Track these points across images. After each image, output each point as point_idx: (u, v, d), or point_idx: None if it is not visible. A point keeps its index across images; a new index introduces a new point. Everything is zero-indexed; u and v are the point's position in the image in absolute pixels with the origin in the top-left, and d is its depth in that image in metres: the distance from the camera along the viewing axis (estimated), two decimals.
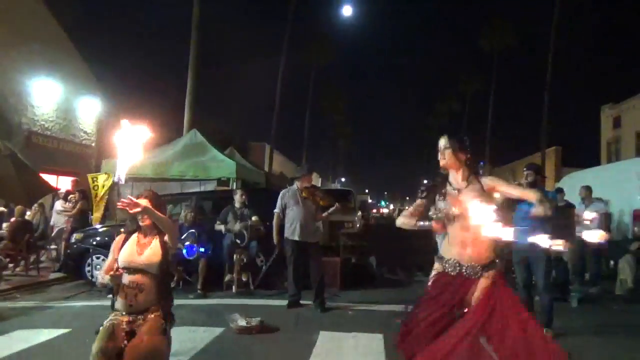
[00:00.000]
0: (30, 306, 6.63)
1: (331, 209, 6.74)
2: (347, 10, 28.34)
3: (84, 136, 17.91)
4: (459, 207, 2.91)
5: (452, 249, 2.94)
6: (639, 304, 7.05)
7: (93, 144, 18.22)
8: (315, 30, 35.58)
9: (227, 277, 7.56)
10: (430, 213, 3.00)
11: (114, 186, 9.77)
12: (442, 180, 3.11)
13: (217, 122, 22.41)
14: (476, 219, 2.78)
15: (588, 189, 8.50)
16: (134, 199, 2.97)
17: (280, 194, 6.85)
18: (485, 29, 35.68)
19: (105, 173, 10.56)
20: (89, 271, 8.20)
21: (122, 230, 3.45)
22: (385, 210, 77.07)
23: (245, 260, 7.48)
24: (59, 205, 10.44)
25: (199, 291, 7.25)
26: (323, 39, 35.85)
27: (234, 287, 7.43)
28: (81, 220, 9.70)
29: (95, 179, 10.44)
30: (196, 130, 12.78)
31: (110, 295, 3.15)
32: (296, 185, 6.80)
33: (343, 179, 66.73)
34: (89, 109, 17.99)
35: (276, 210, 6.79)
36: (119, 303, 3.04)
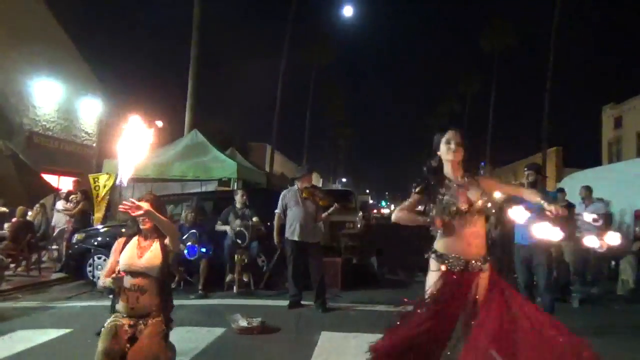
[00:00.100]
0: (32, 306, 6.64)
1: (330, 209, 6.74)
2: (347, 11, 28.40)
3: (85, 136, 17.94)
4: (468, 202, 2.92)
5: (456, 245, 2.90)
6: None
7: (94, 144, 18.24)
8: (316, 31, 35.60)
9: (228, 278, 7.56)
10: (430, 207, 2.94)
11: (116, 187, 9.78)
12: (435, 175, 3.02)
13: (218, 123, 22.44)
14: (519, 219, 2.86)
15: (588, 189, 8.50)
16: (136, 202, 2.97)
17: (281, 195, 6.85)
18: (486, 29, 35.68)
19: (107, 173, 10.56)
20: (90, 271, 8.20)
21: (122, 230, 3.45)
22: (386, 211, 77.10)
23: (246, 260, 7.48)
24: (60, 205, 10.44)
25: (200, 291, 7.25)
26: (324, 40, 35.87)
27: (235, 288, 7.43)
28: (82, 220, 9.70)
29: (96, 179, 10.45)
30: (197, 130, 12.78)
31: (111, 296, 3.16)
32: (297, 185, 6.81)
33: (344, 180, 66.75)
34: (90, 110, 18.02)
35: (277, 211, 6.79)
36: (120, 306, 3.04)
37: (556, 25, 24.18)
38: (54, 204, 11.05)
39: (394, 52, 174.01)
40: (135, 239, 3.20)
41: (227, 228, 7.63)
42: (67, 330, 5.22)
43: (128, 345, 2.88)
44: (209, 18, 16.80)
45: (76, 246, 8.54)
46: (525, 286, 5.45)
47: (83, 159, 17.04)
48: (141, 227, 3.17)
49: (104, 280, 3.08)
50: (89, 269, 8.22)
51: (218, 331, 5.22)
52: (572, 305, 6.80)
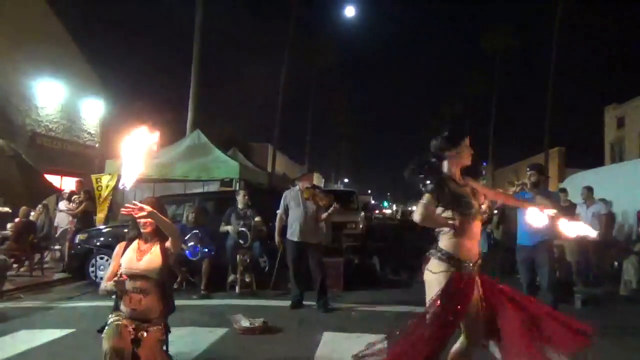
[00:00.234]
0: (34, 307, 6.65)
1: (330, 210, 6.70)
2: (349, 12, 28.39)
3: (87, 137, 17.98)
4: (483, 203, 2.96)
5: (465, 246, 2.88)
6: None
7: (97, 145, 18.28)
8: (318, 31, 35.65)
9: (231, 278, 7.57)
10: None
11: (118, 189, 9.80)
12: (441, 174, 2.98)
13: (221, 123, 22.45)
14: (536, 222, 2.92)
15: (589, 190, 8.50)
16: (139, 204, 2.98)
17: (283, 195, 6.86)
18: (488, 30, 35.67)
19: (109, 174, 10.59)
20: (92, 272, 8.23)
21: (125, 230, 3.46)
22: (387, 211, 77.12)
23: (248, 260, 7.48)
24: (62, 205, 10.47)
25: (202, 292, 7.25)
26: (326, 40, 35.89)
27: (237, 288, 7.43)
28: (85, 220, 9.72)
29: (99, 179, 10.48)
30: (199, 131, 12.80)
31: (114, 296, 3.16)
32: (298, 186, 6.81)
33: (346, 180, 66.74)
34: (92, 110, 18.05)
35: (279, 211, 6.79)
36: (123, 308, 3.04)
37: (558, 26, 24.15)
38: (56, 205, 11.08)
39: (396, 52, 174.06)
40: (135, 242, 3.21)
41: (230, 228, 7.64)
42: (70, 331, 5.22)
43: (133, 346, 2.89)
44: (211, 19, 16.81)
45: (79, 246, 8.56)
46: (527, 286, 5.44)
47: (85, 159, 17.07)
48: (142, 230, 3.17)
49: (105, 284, 3.09)
50: (91, 269, 8.24)
51: (220, 331, 5.22)
52: (574, 305, 6.78)
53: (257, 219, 7.60)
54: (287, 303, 6.58)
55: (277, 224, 6.83)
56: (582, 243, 8.37)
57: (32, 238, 9.02)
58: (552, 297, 5.21)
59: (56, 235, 10.50)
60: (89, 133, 18.05)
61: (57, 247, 10.62)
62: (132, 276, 3.04)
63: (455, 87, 48.28)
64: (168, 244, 3.14)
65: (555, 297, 5.23)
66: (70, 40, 16.63)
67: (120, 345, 2.83)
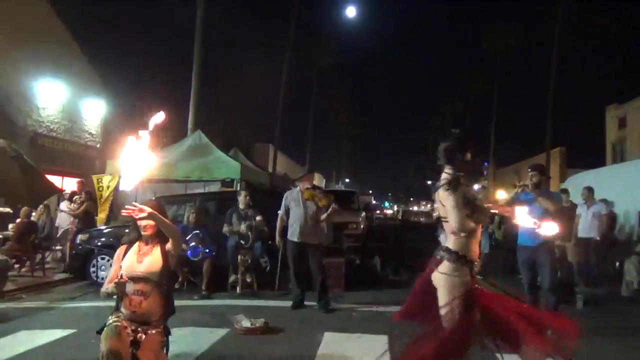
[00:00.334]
0: (36, 307, 6.66)
1: (329, 210, 6.66)
2: (350, 12, 28.40)
3: (88, 137, 17.99)
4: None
5: (474, 247, 2.92)
6: None
7: (98, 145, 18.29)
8: (319, 32, 35.64)
9: (232, 278, 7.57)
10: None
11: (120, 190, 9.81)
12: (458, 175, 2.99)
13: (222, 123, 22.44)
14: (524, 223, 3.00)
15: (590, 190, 8.50)
16: (140, 205, 2.98)
17: (284, 196, 6.86)
18: (489, 30, 35.66)
19: (110, 174, 10.59)
20: (93, 272, 8.24)
21: (126, 230, 3.46)
22: (389, 211, 77.10)
23: (249, 261, 7.48)
24: (64, 206, 10.48)
25: (203, 292, 7.25)
26: (327, 40, 35.89)
27: (238, 288, 7.43)
28: (86, 221, 9.73)
29: (100, 180, 10.49)
30: (201, 131, 12.81)
31: (116, 296, 3.16)
32: (299, 186, 6.81)
33: (347, 180, 66.74)
34: (94, 111, 18.06)
35: (279, 212, 6.79)
36: (123, 310, 3.04)
37: (559, 26, 24.12)
38: (58, 205, 11.09)
39: (397, 52, 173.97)
40: (135, 245, 3.21)
41: (233, 229, 7.62)
42: (71, 331, 5.23)
43: (131, 348, 2.88)
44: (213, 19, 16.81)
45: (80, 247, 8.57)
46: (528, 287, 5.43)
47: (87, 159, 17.08)
48: (142, 233, 3.17)
49: (106, 287, 3.09)
50: (92, 269, 8.26)
51: (221, 332, 5.23)
52: (576, 306, 6.78)
53: (258, 219, 7.60)
54: (288, 303, 6.58)
55: (278, 224, 6.83)
56: (583, 243, 8.39)
57: (33, 238, 9.03)
58: (553, 297, 5.20)
59: (57, 236, 10.51)
60: (90, 133, 18.06)
61: (58, 247, 10.63)
62: (133, 278, 3.04)
63: (456, 87, 48.26)
64: (169, 246, 3.13)
65: (557, 298, 5.23)
66: (72, 40, 16.63)
67: (117, 347, 2.83)
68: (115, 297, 3.13)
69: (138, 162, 3.02)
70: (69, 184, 13.55)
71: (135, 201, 3.12)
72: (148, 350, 2.90)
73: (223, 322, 5.56)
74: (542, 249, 5.21)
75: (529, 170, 5.48)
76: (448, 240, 2.94)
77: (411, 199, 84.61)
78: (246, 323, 5.22)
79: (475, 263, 2.93)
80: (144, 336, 2.95)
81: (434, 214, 3.07)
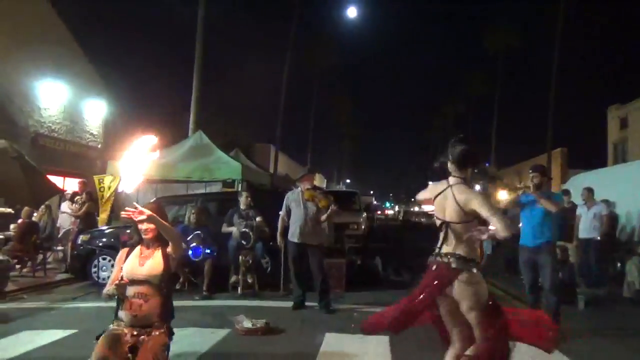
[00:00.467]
0: (37, 307, 6.66)
1: (329, 211, 6.64)
2: (352, 12, 28.42)
3: (90, 138, 18.02)
4: None
5: (478, 250, 2.98)
6: None
7: (99, 146, 18.32)
8: (320, 32, 35.67)
9: (233, 279, 7.57)
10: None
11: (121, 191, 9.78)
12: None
13: (223, 124, 22.45)
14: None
15: (590, 191, 8.49)
16: (140, 207, 2.98)
17: (285, 196, 6.86)
18: (490, 30, 35.65)
19: (111, 174, 10.60)
20: (95, 272, 8.24)
21: (127, 231, 3.46)
22: (390, 212, 77.10)
23: (250, 261, 7.48)
24: (65, 206, 10.48)
25: (204, 292, 7.26)
26: (328, 41, 35.91)
27: (239, 289, 7.43)
28: (88, 221, 9.74)
29: (101, 180, 10.49)
30: (202, 132, 12.81)
31: (116, 301, 3.16)
32: (300, 187, 6.81)
33: (348, 180, 66.75)
34: (95, 111, 18.09)
35: (281, 213, 6.79)
36: (123, 314, 3.04)
37: (561, 26, 24.11)
38: (59, 205, 11.10)
39: (398, 53, 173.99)
40: (137, 248, 3.21)
41: (233, 229, 7.63)
42: (72, 331, 5.23)
43: (129, 355, 2.88)
44: (214, 19, 16.83)
45: (81, 247, 8.57)
46: (530, 287, 5.43)
47: (88, 160, 17.10)
48: (144, 237, 3.18)
49: (107, 289, 3.09)
50: (93, 269, 8.26)
51: (222, 332, 5.23)
52: (577, 307, 6.77)
53: (259, 219, 7.61)
54: (289, 304, 6.59)
55: (279, 225, 6.83)
56: (584, 244, 8.38)
57: (35, 239, 9.04)
58: (554, 298, 5.20)
59: (59, 236, 10.52)
60: (91, 134, 18.09)
61: (59, 247, 10.64)
62: (134, 281, 3.04)
63: (457, 87, 48.22)
64: (170, 249, 3.14)
65: (558, 299, 5.22)
66: (73, 40, 16.65)
67: (106, 355, 2.83)
68: (115, 298, 3.13)
69: (137, 165, 3.03)
70: (70, 185, 13.57)
71: (137, 202, 3.12)
72: (147, 351, 2.90)
73: (224, 323, 5.56)
74: (543, 250, 5.21)
75: (530, 171, 5.47)
76: (456, 245, 2.92)
77: (412, 199, 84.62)
78: (247, 323, 5.22)
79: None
80: (145, 337, 2.96)
81: (437, 219, 3.04)
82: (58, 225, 10.63)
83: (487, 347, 2.83)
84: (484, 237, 2.88)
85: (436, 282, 2.87)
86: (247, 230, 7.50)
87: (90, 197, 10.03)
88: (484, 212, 2.80)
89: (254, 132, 30.15)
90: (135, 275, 3.06)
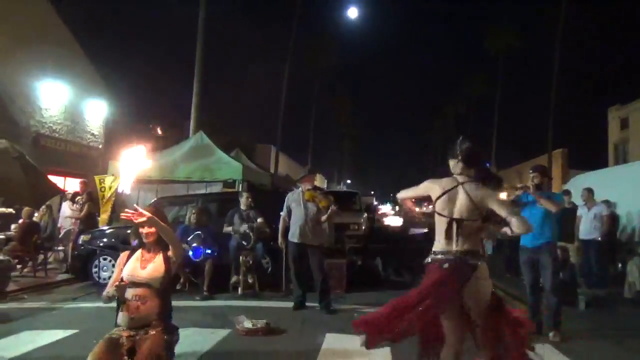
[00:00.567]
0: (38, 307, 6.66)
1: (329, 211, 6.62)
2: (352, 13, 28.44)
3: (91, 138, 18.03)
4: None
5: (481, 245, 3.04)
6: None
7: (100, 146, 18.34)
8: (321, 32, 35.69)
9: (233, 279, 7.57)
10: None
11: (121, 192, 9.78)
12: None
13: (224, 124, 22.48)
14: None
15: (590, 191, 8.48)
16: (139, 209, 2.98)
17: (286, 197, 6.86)
18: (491, 30, 35.65)
19: (112, 175, 10.60)
20: (95, 272, 8.25)
21: (128, 231, 3.47)
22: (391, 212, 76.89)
23: (251, 261, 7.48)
24: (66, 206, 10.48)
25: (205, 293, 7.26)
26: (328, 41, 35.92)
27: (239, 289, 7.44)
28: (88, 221, 9.75)
29: (102, 180, 10.49)
30: (202, 132, 12.82)
31: (116, 305, 3.17)
32: (301, 187, 6.81)
33: (349, 181, 66.71)
34: (96, 111, 18.12)
35: (282, 213, 6.79)
36: (121, 318, 3.05)
37: (562, 27, 24.11)
38: (60, 206, 11.10)
39: (399, 53, 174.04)
40: (138, 252, 3.22)
41: (232, 229, 7.63)
42: (73, 331, 5.23)
43: (127, 358, 2.88)
44: (215, 21, 16.85)
45: (82, 247, 8.58)
46: (531, 288, 5.42)
47: (89, 160, 17.12)
48: (144, 240, 3.18)
49: (107, 290, 3.10)
50: (94, 270, 8.26)
51: (223, 333, 5.23)
52: (578, 307, 6.76)
53: (259, 220, 7.61)
54: (290, 304, 6.58)
55: (280, 225, 6.83)
56: (584, 245, 8.37)
57: (35, 239, 9.05)
58: (555, 298, 5.19)
59: (59, 236, 10.52)
60: (92, 134, 18.10)
61: (60, 248, 10.64)
62: (135, 284, 3.05)
63: (458, 88, 48.18)
64: (170, 252, 3.15)
65: (558, 299, 5.21)
66: (74, 41, 16.69)
67: (101, 358, 2.83)
68: (115, 300, 3.13)
69: (135, 166, 3.05)
70: (71, 185, 13.58)
71: (137, 202, 3.13)
72: (145, 349, 2.90)
73: (225, 323, 5.56)
74: (544, 250, 5.20)
75: (531, 171, 5.47)
76: (465, 242, 2.92)
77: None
78: (248, 324, 5.22)
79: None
80: (143, 336, 2.96)
81: (442, 215, 3.03)
82: (59, 225, 10.63)
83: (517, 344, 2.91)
84: (509, 231, 2.92)
85: (453, 278, 2.85)
86: (247, 230, 7.51)
87: (91, 197, 10.03)
88: (503, 211, 2.87)
89: (254, 132, 30.23)
90: (136, 278, 3.07)
